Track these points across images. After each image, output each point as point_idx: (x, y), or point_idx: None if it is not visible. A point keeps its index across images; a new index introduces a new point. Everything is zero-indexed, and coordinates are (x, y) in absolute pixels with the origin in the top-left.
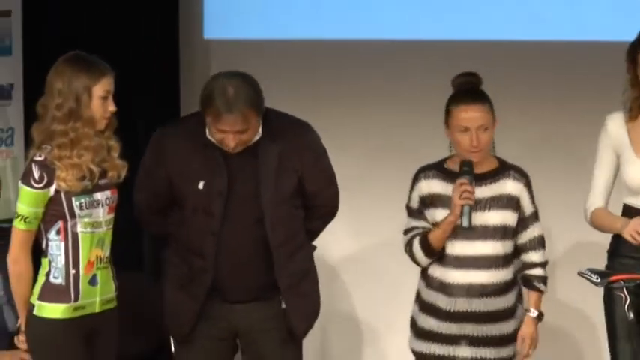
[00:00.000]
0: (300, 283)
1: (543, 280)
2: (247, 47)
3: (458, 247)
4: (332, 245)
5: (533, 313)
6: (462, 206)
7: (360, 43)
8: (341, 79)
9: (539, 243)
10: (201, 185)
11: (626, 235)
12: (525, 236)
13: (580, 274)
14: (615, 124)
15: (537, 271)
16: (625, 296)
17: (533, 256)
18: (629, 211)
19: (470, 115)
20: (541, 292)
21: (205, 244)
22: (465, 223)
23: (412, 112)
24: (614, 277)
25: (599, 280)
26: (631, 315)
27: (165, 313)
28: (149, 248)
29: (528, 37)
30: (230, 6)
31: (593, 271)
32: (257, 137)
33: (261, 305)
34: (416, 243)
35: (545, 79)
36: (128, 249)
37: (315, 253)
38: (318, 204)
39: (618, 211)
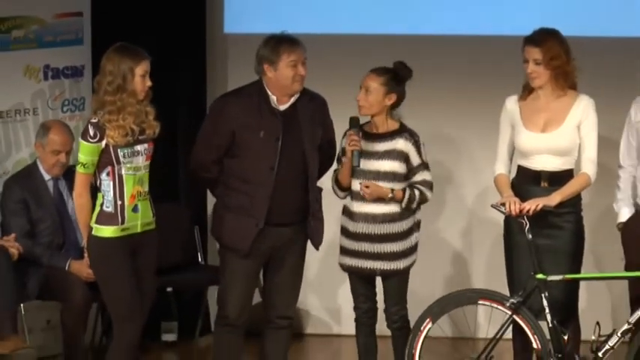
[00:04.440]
0: (319, 209)
1: (420, 191)
2: (259, 41)
3: (359, 185)
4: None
5: (394, 193)
6: (352, 151)
7: (368, 37)
8: (351, 70)
9: (425, 184)
10: (262, 134)
11: (504, 201)
12: (414, 179)
13: (492, 206)
14: (511, 103)
15: (419, 184)
16: (526, 222)
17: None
18: (521, 171)
19: (365, 79)
20: (411, 194)
21: (267, 177)
22: (355, 163)
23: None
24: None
25: (506, 210)
26: (530, 236)
27: (227, 233)
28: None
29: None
30: (247, 2)
31: (503, 203)
32: (294, 98)
33: (292, 229)
34: (333, 180)
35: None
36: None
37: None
38: (324, 158)
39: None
